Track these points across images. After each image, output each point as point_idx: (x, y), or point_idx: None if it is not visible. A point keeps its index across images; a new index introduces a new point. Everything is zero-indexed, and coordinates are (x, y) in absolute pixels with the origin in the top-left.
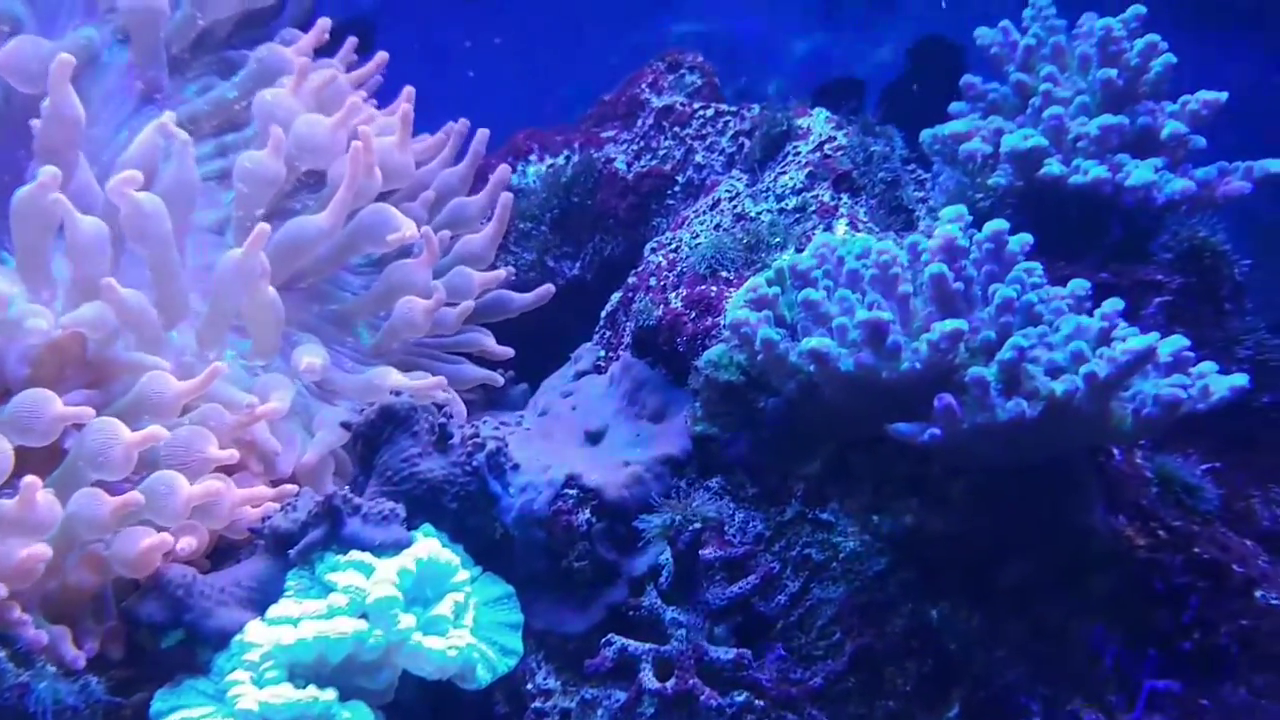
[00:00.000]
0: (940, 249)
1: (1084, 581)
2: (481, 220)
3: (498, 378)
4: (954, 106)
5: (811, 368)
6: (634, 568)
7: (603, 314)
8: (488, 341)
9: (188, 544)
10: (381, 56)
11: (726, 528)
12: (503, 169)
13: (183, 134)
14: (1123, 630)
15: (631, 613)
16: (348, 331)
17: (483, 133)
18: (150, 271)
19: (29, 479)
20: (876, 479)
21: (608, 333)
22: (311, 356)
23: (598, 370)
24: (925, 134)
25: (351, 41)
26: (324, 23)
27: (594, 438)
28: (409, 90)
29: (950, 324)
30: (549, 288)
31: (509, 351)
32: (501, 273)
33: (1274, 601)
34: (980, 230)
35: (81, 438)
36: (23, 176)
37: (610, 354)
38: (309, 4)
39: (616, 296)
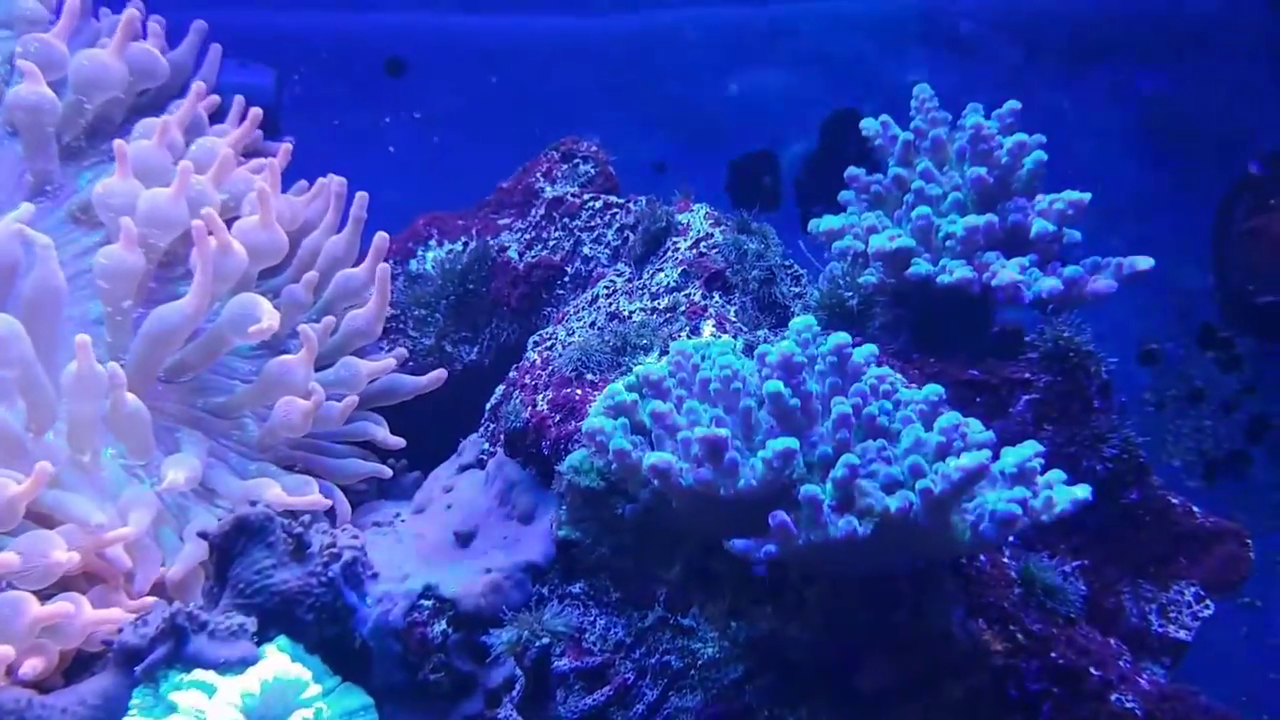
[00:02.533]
0: (778, 365)
1: (942, 686)
2: (366, 291)
3: (386, 470)
4: (842, 196)
5: (656, 482)
6: (490, 679)
7: (488, 405)
8: (379, 431)
9: (33, 666)
10: (255, 114)
11: (587, 634)
12: (379, 236)
13: (43, 238)
14: None
15: None
16: (232, 424)
17: (361, 196)
18: (17, 389)
19: None
20: (734, 584)
21: (491, 425)
22: (176, 471)
23: (480, 464)
24: (811, 224)
25: (254, 113)
26: (198, 86)
27: (464, 540)
28: (273, 163)
29: (782, 443)
30: (441, 372)
31: (400, 442)
32: (391, 361)
33: (1128, 705)
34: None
35: None
36: None
37: (493, 446)
38: (211, 95)
39: (500, 390)
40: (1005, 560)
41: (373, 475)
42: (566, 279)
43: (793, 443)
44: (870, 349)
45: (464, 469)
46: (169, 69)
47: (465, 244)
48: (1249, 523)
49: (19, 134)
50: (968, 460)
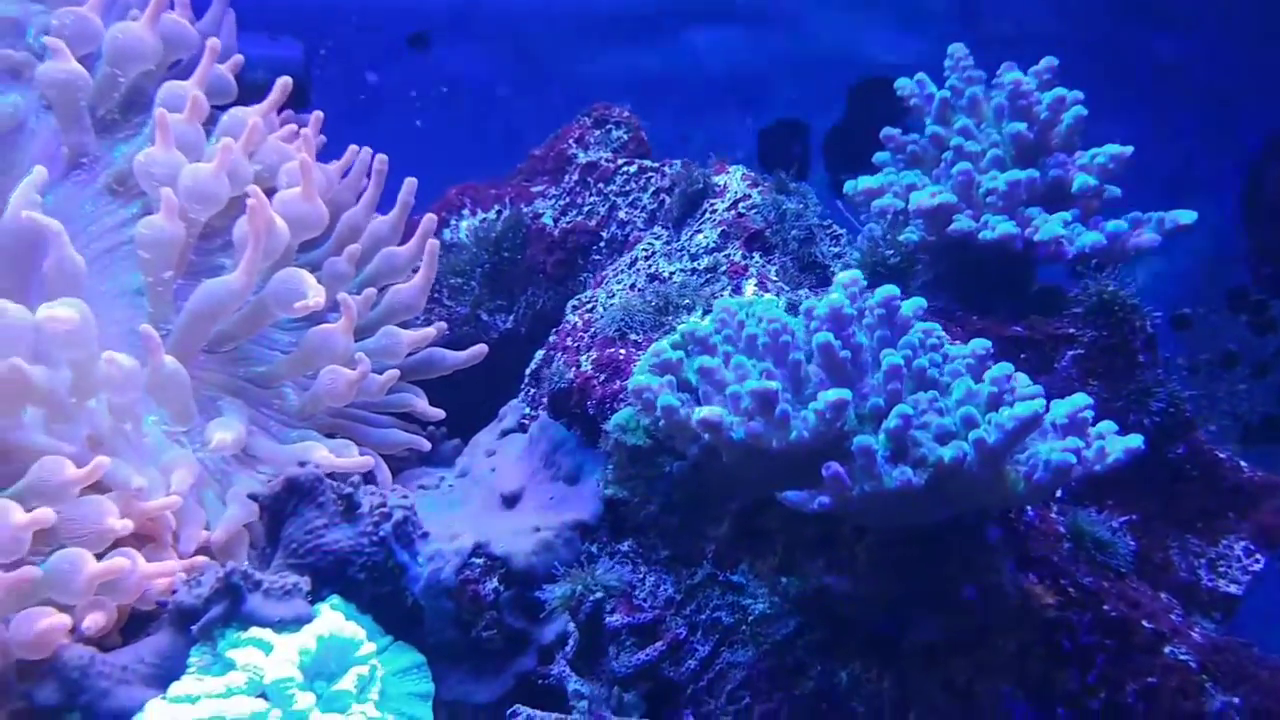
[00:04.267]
0: (827, 317)
1: (992, 641)
2: (411, 269)
3: (424, 442)
4: (878, 157)
5: (706, 436)
6: (543, 636)
7: (528, 371)
8: (418, 402)
9: (94, 621)
10: (285, 83)
11: (637, 592)
12: (429, 218)
13: (54, 224)
14: (1031, 690)
15: (541, 681)
16: (273, 393)
17: (410, 181)
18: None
19: None
20: (785, 540)
21: (532, 390)
22: (224, 432)
23: (521, 428)
24: (848, 185)
25: (283, 83)
26: (213, 43)
27: (510, 500)
28: (306, 134)
29: (834, 393)
30: (482, 348)
31: (439, 413)
32: (432, 331)
33: (1182, 657)
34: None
35: None
36: None
37: (534, 410)
38: (235, 55)
39: (540, 354)
40: (1053, 515)
41: (412, 445)
42: (602, 244)
43: (845, 393)
44: (919, 301)
45: (506, 433)
46: (199, 38)
47: (499, 212)
48: None
49: (53, 109)
50: (1022, 409)
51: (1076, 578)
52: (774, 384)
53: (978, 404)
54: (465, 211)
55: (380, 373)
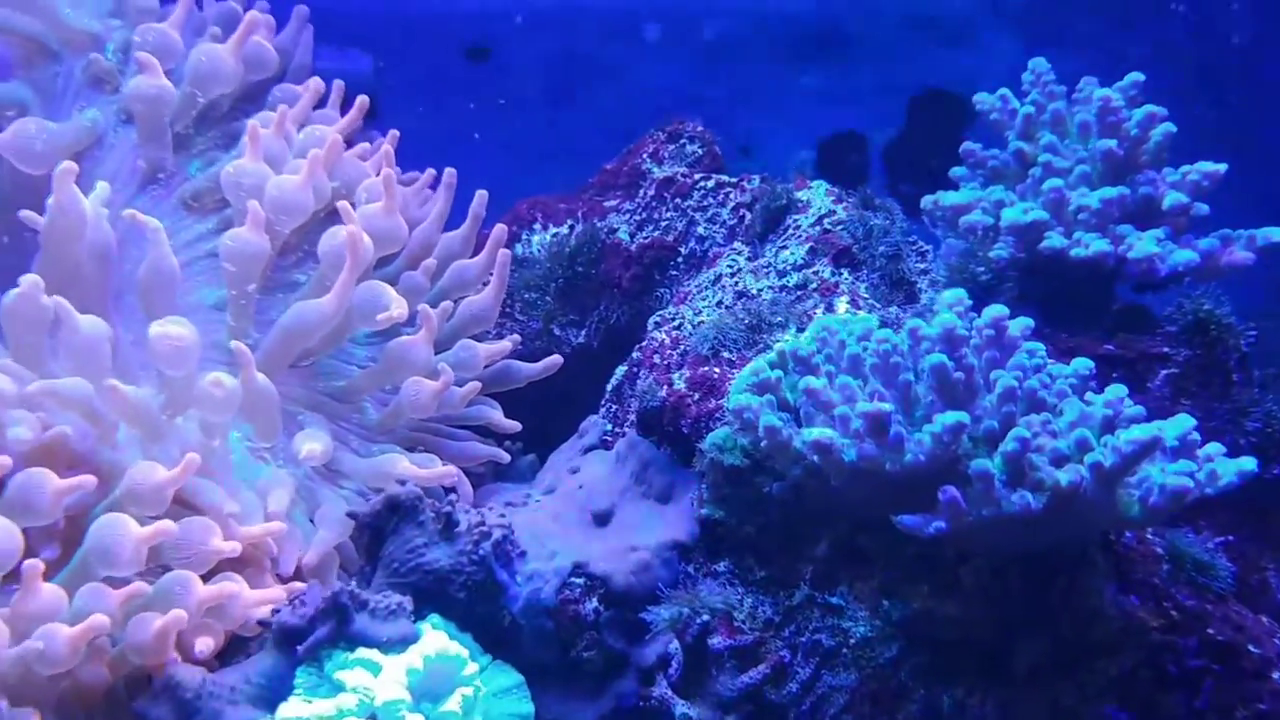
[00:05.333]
0: (940, 338)
1: (1097, 664)
2: (481, 282)
3: (504, 455)
4: (955, 172)
5: (815, 457)
6: (643, 657)
7: (608, 387)
8: (495, 415)
9: (205, 645)
10: (362, 102)
11: (735, 614)
12: (499, 228)
13: (153, 221)
14: (1137, 714)
15: (642, 703)
16: (352, 407)
17: (481, 194)
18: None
19: (30, 563)
20: (886, 562)
21: (614, 406)
22: (312, 443)
23: (604, 445)
24: (926, 200)
25: (361, 101)
26: (315, 83)
27: (601, 519)
28: (386, 149)
29: (952, 416)
30: (556, 359)
31: (516, 425)
32: (507, 344)
33: None
34: (980, 311)
35: (91, 534)
36: (28, 262)
37: (616, 428)
38: (309, 71)
39: (621, 370)
40: (1149, 536)
41: (491, 459)
42: (680, 259)
43: (963, 416)
44: (1025, 322)
45: (589, 450)
46: (278, 60)
47: (571, 227)
48: None
49: (135, 123)
50: (1140, 433)
51: (1179, 600)
52: (887, 406)
53: (1091, 426)
54: (536, 226)
55: (458, 385)
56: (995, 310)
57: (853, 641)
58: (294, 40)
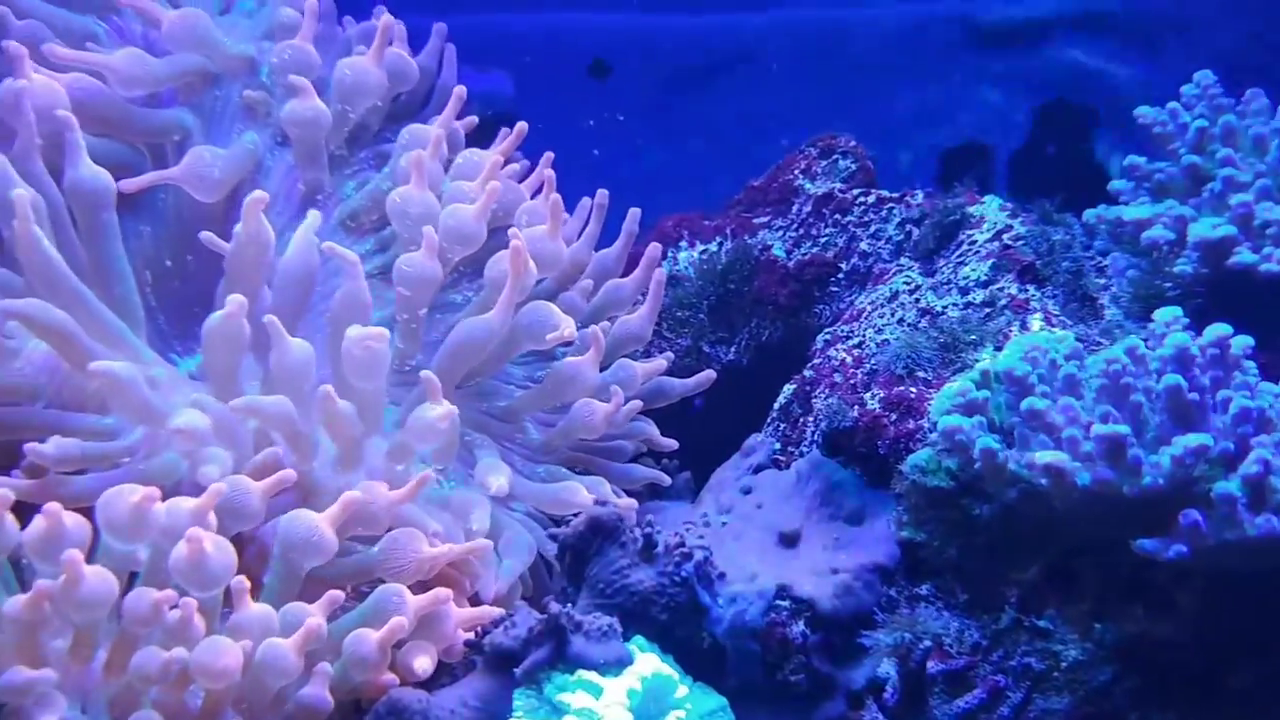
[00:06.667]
0: (1173, 358)
1: None
2: (634, 301)
3: (665, 478)
4: (1115, 185)
5: (1043, 480)
6: (851, 681)
7: (775, 406)
8: (653, 432)
9: (423, 665)
10: (521, 128)
11: (943, 637)
12: (654, 247)
13: (350, 255)
14: None
15: None
16: (515, 427)
17: (634, 212)
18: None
19: (238, 579)
20: (1098, 584)
21: (782, 425)
22: (498, 476)
23: (775, 465)
24: (1089, 214)
25: (520, 128)
26: (460, 91)
27: (788, 540)
28: (549, 174)
29: (1194, 439)
30: (710, 374)
31: (673, 444)
32: (662, 362)
33: None
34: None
35: (282, 534)
36: (205, 291)
37: (787, 448)
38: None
39: (790, 389)
40: None
41: (652, 480)
42: (841, 275)
43: (1206, 438)
44: (1246, 340)
45: (758, 469)
46: (419, 72)
47: (720, 244)
48: None
49: (291, 145)
50: None
51: None
52: (1124, 428)
53: None
54: (683, 243)
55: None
56: (1219, 329)
57: (1064, 665)
58: (435, 58)
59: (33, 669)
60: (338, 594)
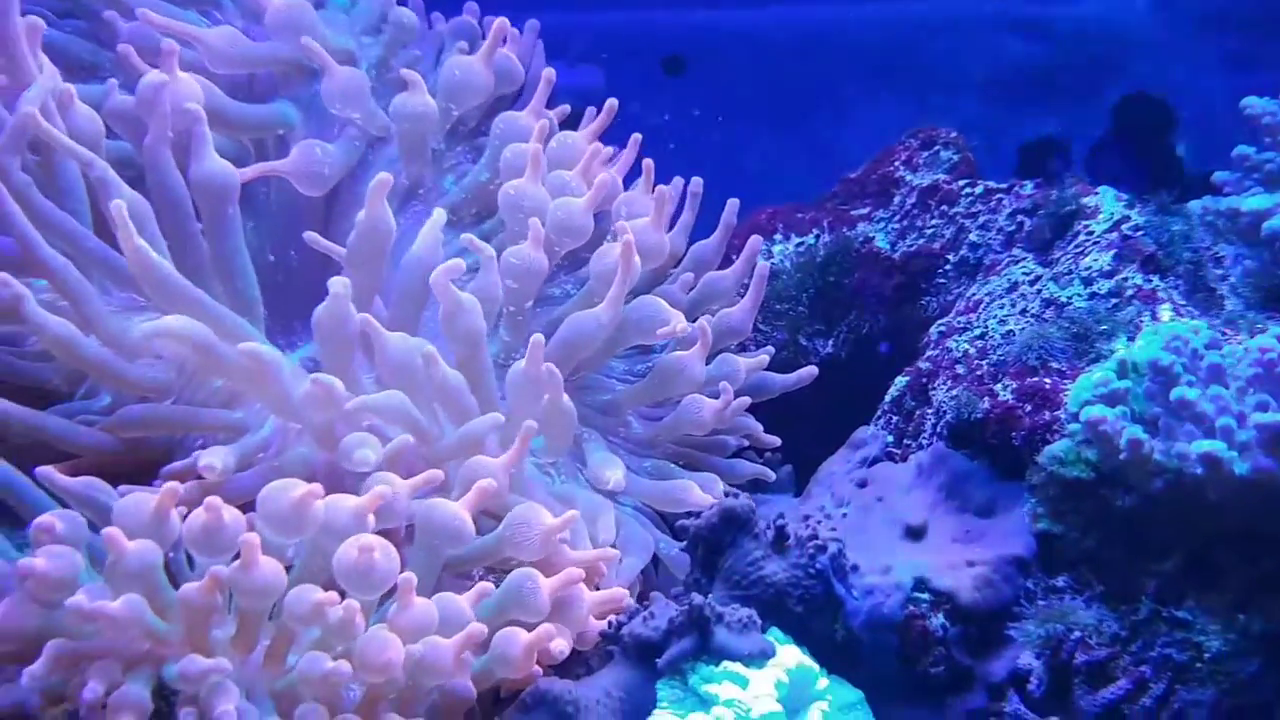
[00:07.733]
0: None
1: None
2: (734, 293)
3: (770, 474)
4: (1219, 176)
5: (1197, 470)
6: (991, 673)
7: (887, 399)
8: (756, 428)
9: (559, 647)
10: (611, 104)
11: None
12: (755, 240)
13: (488, 249)
14: None
15: (993, 719)
16: (619, 421)
17: (733, 203)
18: (458, 369)
19: (405, 576)
20: (1242, 575)
21: (895, 418)
22: (614, 471)
23: (889, 458)
24: (1194, 205)
25: (610, 104)
26: (549, 73)
27: (915, 532)
28: (648, 163)
29: None
30: (812, 370)
31: (776, 440)
32: (764, 357)
33: None
34: None
35: (423, 521)
36: (309, 285)
37: (902, 441)
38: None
39: (903, 381)
40: None
41: (757, 476)
42: (949, 267)
43: None
44: None
45: (872, 462)
46: (524, 74)
47: (817, 236)
48: None
49: (396, 140)
50: None
51: None
52: None
53: None
54: (778, 236)
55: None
56: None
57: (1207, 656)
58: (529, 54)
59: (205, 657)
60: (487, 586)
